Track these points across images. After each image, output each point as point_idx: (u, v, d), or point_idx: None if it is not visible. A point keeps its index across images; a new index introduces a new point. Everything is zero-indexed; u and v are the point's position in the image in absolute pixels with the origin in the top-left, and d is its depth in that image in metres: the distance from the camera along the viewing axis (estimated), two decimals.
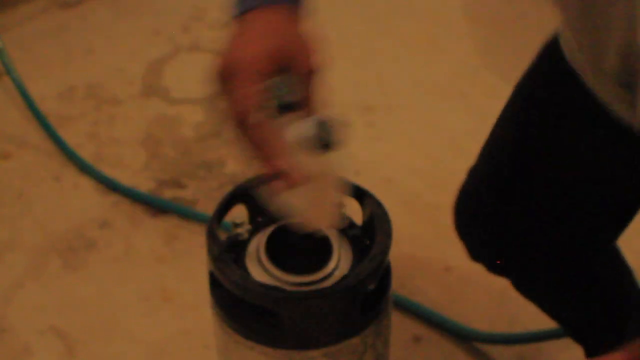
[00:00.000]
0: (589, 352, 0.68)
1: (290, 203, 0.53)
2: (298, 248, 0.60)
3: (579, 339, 0.69)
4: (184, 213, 0.86)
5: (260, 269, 0.57)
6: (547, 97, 0.63)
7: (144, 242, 0.85)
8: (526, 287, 0.68)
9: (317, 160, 0.50)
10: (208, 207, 0.86)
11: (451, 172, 0.89)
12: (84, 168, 0.90)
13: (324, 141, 0.50)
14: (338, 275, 0.57)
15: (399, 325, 0.78)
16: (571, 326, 0.69)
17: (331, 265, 0.58)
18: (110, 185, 0.89)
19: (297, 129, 0.51)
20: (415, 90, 0.98)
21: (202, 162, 0.91)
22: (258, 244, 0.58)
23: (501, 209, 0.64)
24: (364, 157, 0.91)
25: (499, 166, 0.65)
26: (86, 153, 0.92)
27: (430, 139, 0.93)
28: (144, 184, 0.89)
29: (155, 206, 0.87)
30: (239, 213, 0.60)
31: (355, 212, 0.62)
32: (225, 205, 0.60)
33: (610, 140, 0.58)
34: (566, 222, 0.62)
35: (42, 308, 0.81)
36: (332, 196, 0.54)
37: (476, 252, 0.68)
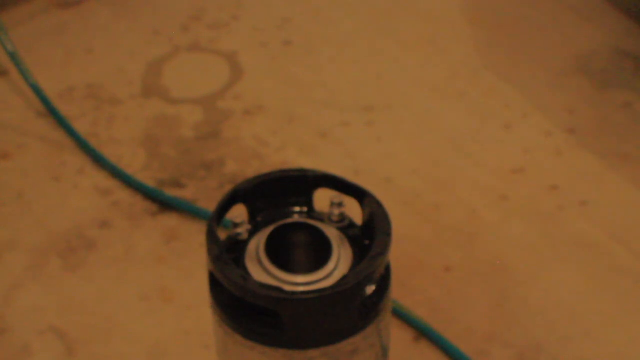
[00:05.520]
0: None
1: None
2: (298, 248, 0.60)
3: None
4: (190, 209, 0.86)
5: (260, 269, 0.57)
6: None
7: (144, 242, 0.85)
8: None
9: None
10: (208, 207, 0.86)
11: (451, 172, 0.90)
12: (97, 159, 0.90)
13: None
14: (338, 275, 0.57)
15: (399, 325, 0.78)
16: None
17: (331, 265, 0.58)
18: (124, 179, 0.89)
19: None
20: (415, 90, 0.98)
21: (202, 162, 0.91)
22: (258, 243, 0.58)
23: None
24: (364, 157, 0.91)
25: None
26: None
27: (430, 139, 0.93)
28: None
29: (161, 201, 0.87)
30: (238, 213, 0.60)
31: (355, 212, 0.62)
32: (225, 205, 0.60)
33: None
34: None
35: (42, 308, 0.81)
36: None
37: None
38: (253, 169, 0.90)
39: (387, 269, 0.59)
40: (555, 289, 0.81)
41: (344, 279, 0.56)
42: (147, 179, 0.90)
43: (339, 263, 0.58)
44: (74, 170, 0.91)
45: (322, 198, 0.63)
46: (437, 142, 0.93)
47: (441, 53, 1.02)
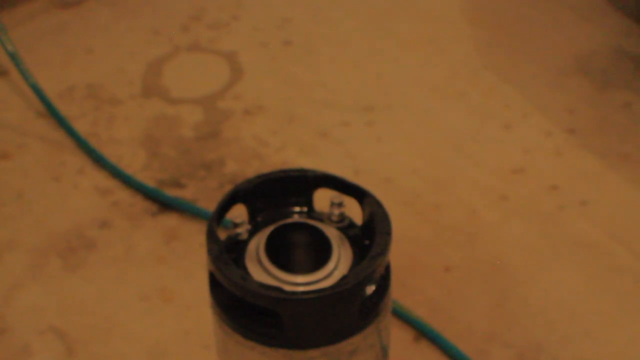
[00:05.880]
0: None
1: None
2: (298, 248, 0.60)
3: None
4: (190, 209, 0.86)
5: (260, 269, 0.57)
6: None
7: (144, 242, 0.85)
8: None
9: None
10: (208, 207, 0.86)
11: (451, 172, 0.90)
12: (97, 159, 0.91)
13: None
14: (338, 275, 0.57)
15: (399, 325, 0.78)
16: None
17: (331, 265, 0.58)
18: (124, 179, 0.89)
19: None
20: (415, 90, 0.98)
21: (202, 162, 0.91)
22: (258, 243, 0.58)
23: None
24: (364, 157, 0.91)
25: None
26: None
27: (430, 139, 0.93)
28: None
29: (161, 201, 0.87)
30: (238, 213, 0.60)
31: (355, 212, 0.62)
32: (225, 205, 0.60)
33: None
34: None
35: (42, 308, 0.81)
36: None
37: None
38: (253, 169, 0.90)
39: (387, 269, 0.59)
40: (555, 289, 0.81)
41: (344, 279, 0.56)
42: (147, 179, 0.90)
43: (339, 263, 0.58)
44: (74, 170, 0.91)
45: (322, 198, 0.63)
46: (437, 142, 0.93)
47: (441, 53, 1.02)
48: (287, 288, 0.56)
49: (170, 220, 0.86)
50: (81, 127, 0.94)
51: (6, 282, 0.82)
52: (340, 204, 0.61)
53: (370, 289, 0.58)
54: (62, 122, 0.94)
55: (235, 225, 0.60)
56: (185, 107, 0.97)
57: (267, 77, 1.00)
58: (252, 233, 0.60)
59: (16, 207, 0.88)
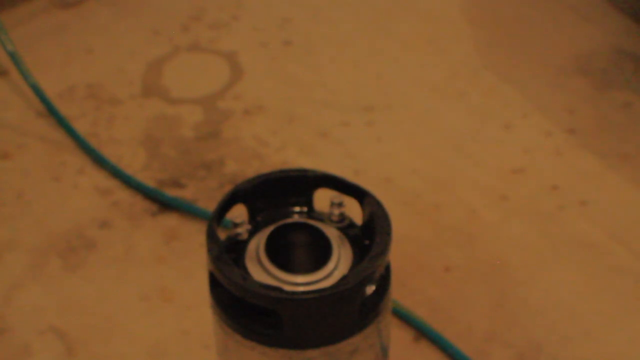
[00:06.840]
0: None
1: None
2: (298, 248, 0.60)
3: None
4: (190, 209, 0.86)
5: (260, 269, 0.58)
6: None
7: (144, 242, 0.85)
8: None
9: None
10: (208, 207, 0.86)
11: (451, 172, 0.90)
12: (97, 159, 0.91)
13: None
14: (338, 275, 0.57)
15: (399, 325, 0.78)
16: None
17: (331, 265, 0.58)
18: (124, 179, 0.89)
19: None
20: (415, 90, 0.98)
21: (202, 162, 0.91)
22: (258, 243, 0.58)
23: None
24: (364, 157, 0.91)
25: None
26: None
27: (430, 139, 0.93)
28: None
29: (161, 201, 0.87)
30: (238, 213, 0.60)
31: (355, 212, 0.62)
32: (225, 205, 0.60)
33: None
34: None
35: (42, 308, 0.81)
36: None
37: None
38: (253, 169, 0.90)
39: (387, 269, 0.59)
40: (555, 289, 0.81)
41: (344, 279, 0.56)
42: (147, 179, 0.90)
43: (339, 263, 0.58)
44: (74, 170, 0.91)
45: (322, 198, 0.63)
46: (437, 142, 0.93)
47: (441, 53, 1.02)
48: (287, 288, 0.56)
49: (170, 220, 0.86)
50: (81, 127, 0.94)
51: (6, 282, 0.82)
52: (340, 204, 0.61)
53: (370, 289, 0.58)
54: (62, 122, 0.94)
55: (235, 225, 0.60)
56: (185, 107, 0.97)
57: (267, 77, 1.00)
58: (252, 233, 0.60)
59: (16, 207, 0.88)
